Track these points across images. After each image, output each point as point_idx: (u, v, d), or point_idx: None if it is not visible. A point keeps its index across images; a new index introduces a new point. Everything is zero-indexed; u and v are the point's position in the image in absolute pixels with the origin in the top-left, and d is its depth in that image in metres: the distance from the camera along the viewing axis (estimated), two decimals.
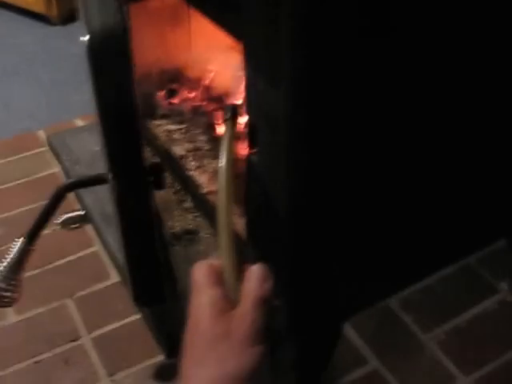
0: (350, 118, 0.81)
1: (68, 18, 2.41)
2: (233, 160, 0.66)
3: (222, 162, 0.66)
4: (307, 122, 0.79)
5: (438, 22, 0.81)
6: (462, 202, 1.07)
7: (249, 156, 0.88)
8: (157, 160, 1.27)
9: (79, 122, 1.74)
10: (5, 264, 0.85)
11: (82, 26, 0.72)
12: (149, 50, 1.26)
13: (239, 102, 1.20)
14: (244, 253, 0.62)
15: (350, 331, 1.19)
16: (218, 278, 0.57)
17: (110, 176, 0.78)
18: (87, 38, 0.70)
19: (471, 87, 0.93)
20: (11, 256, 0.85)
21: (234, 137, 0.73)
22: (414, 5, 0.77)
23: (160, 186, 0.82)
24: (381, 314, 1.21)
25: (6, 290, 0.84)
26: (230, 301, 0.56)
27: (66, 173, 1.49)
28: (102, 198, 1.19)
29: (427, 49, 0.83)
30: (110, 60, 0.71)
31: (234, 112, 0.77)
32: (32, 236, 0.83)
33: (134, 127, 0.74)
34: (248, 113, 0.86)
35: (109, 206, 1.25)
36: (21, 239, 0.85)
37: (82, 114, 1.78)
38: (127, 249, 0.85)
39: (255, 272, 0.57)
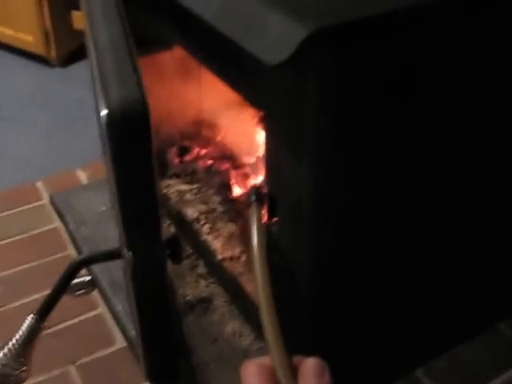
0: (375, 194, 0.84)
1: (67, 59, 2.47)
2: (266, 246, 0.68)
3: (255, 250, 0.67)
4: (330, 198, 0.82)
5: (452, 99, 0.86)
6: (489, 272, 1.09)
7: (267, 226, 0.91)
8: (172, 229, 1.28)
9: (80, 173, 1.76)
10: (13, 342, 0.87)
11: (100, 101, 0.75)
12: (158, 104, 1.29)
13: (253, 160, 1.24)
14: None
15: None
16: (271, 377, 0.55)
17: (125, 251, 0.81)
18: (105, 113, 0.73)
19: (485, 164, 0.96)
20: (20, 334, 0.87)
21: (262, 220, 0.75)
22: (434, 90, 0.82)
23: (177, 259, 0.85)
24: (403, 381, 1.21)
25: (14, 370, 0.86)
26: None
27: (71, 235, 1.50)
28: (109, 264, 1.21)
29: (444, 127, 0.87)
30: (130, 137, 0.73)
31: (259, 195, 0.79)
32: (43, 314, 0.85)
33: (154, 203, 0.77)
34: (267, 183, 0.89)
35: (116, 272, 1.28)
36: (30, 316, 0.87)
37: (82, 164, 1.80)
38: (142, 325, 0.87)
39: (310, 367, 0.55)
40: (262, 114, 0.84)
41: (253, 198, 0.79)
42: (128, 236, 0.80)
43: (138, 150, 0.74)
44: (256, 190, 0.81)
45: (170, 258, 0.86)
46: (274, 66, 0.67)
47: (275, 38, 0.67)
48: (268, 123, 0.85)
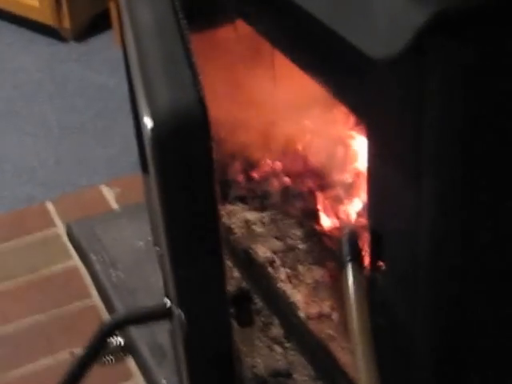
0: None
1: (85, 31, 2.50)
2: (369, 322, 0.69)
3: (355, 329, 0.69)
4: (459, 235, 0.84)
5: None
6: None
7: (371, 273, 0.93)
8: (236, 274, 1.29)
9: (106, 191, 1.77)
10: None
11: (142, 105, 0.77)
12: (216, 98, 1.30)
13: (347, 178, 1.25)
14: None
15: None
16: None
17: (174, 309, 0.83)
18: (151, 123, 0.75)
19: None
20: None
21: (364, 284, 0.75)
22: None
23: (245, 321, 0.87)
24: None
25: None
26: None
27: (96, 278, 1.54)
28: (150, 324, 1.23)
29: None
30: (184, 155, 0.76)
31: (355, 246, 0.80)
32: None
33: (215, 241, 0.79)
34: (370, 215, 0.91)
35: (160, 334, 1.30)
36: None
37: (108, 177, 1.84)
38: None
39: None
40: (363, 121, 0.86)
41: (348, 255, 0.80)
42: (179, 287, 0.82)
43: (194, 170, 0.77)
44: (350, 238, 0.81)
45: (236, 318, 0.88)
46: (383, 62, 0.69)
47: (384, 26, 0.69)
48: (372, 133, 0.87)
